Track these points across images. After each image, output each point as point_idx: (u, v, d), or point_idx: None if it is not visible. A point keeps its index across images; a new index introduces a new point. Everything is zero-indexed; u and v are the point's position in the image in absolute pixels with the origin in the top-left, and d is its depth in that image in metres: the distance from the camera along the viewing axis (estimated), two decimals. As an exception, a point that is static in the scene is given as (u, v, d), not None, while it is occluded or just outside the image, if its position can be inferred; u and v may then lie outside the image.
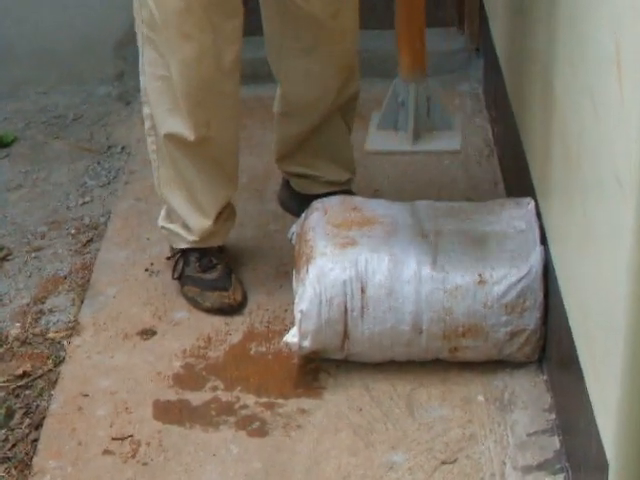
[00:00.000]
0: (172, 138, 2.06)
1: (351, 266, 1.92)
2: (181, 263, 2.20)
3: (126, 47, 2.98)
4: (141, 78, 2.08)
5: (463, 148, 1.77)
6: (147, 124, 2.12)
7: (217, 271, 2.17)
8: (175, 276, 2.20)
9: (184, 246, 2.19)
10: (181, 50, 1.95)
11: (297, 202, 2.37)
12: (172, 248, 2.24)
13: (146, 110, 2.10)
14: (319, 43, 2.12)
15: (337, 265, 1.93)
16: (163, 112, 2.04)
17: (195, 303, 2.16)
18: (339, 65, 2.17)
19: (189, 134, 2.03)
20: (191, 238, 2.17)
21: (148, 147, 2.15)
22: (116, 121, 2.95)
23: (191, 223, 2.15)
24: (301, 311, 1.92)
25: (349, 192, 2.33)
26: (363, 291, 1.91)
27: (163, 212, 2.21)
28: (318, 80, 2.17)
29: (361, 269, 1.92)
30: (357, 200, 2.12)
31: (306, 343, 1.93)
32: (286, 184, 2.43)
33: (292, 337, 1.94)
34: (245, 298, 2.18)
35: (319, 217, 2.06)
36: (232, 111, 2.08)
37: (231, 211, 2.21)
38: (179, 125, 2.03)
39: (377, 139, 1.86)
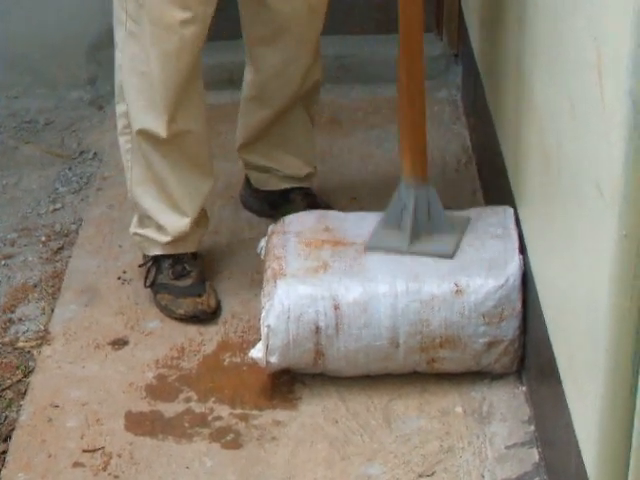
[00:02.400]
0: (145, 135, 2.05)
1: (322, 283, 1.92)
2: (154, 270, 2.18)
3: (99, 51, 2.97)
4: (117, 75, 2.06)
5: (454, 250, 1.97)
6: (121, 123, 2.11)
7: (191, 278, 2.16)
8: (147, 284, 2.18)
9: (157, 252, 2.17)
10: (164, 42, 1.95)
11: (257, 200, 2.40)
12: (144, 256, 2.22)
13: (121, 108, 2.09)
14: (288, 28, 2.14)
15: (307, 282, 1.93)
16: (138, 108, 2.03)
17: (168, 311, 2.14)
18: (307, 50, 2.19)
19: (162, 130, 2.02)
20: (165, 239, 2.14)
21: (121, 147, 2.13)
22: (88, 126, 2.93)
23: (165, 223, 2.13)
24: (268, 326, 1.91)
25: (308, 190, 2.35)
26: (337, 308, 1.90)
27: (135, 219, 2.19)
28: (286, 65, 2.19)
29: (334, 287, 1.91)
30: (330, 218, 2.10)
31: (274, 359, 1.92)
32: (246, 182, 2.44)
33: (257, 352, 1.93)
34: (219, 306, 2.16)
35: (290, 234, 2.06)
36: (202, 105, 2.08)
37: (204, 216, 2.20)
38: (153, 121, 2.02)
39: (378, 238, 2.02)
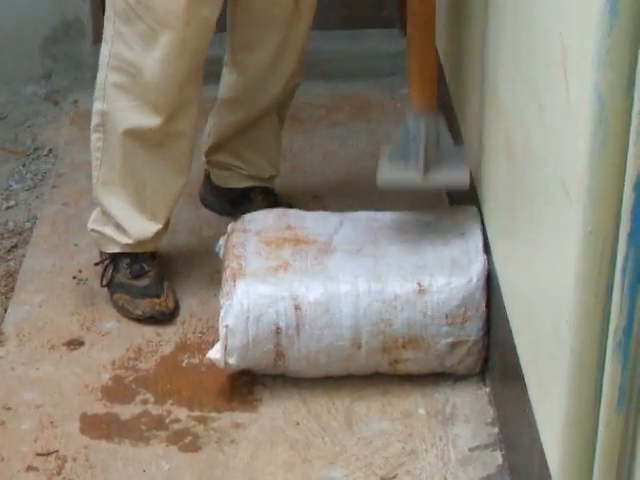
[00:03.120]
0: (134, 134, 2.01)
1: (282, 283, 1.90)
2: (111, 269, 2.15)
3: (55, 45, 2.94)
4: (101, 71, 2.03)
5: (468, 180, 1.93)
6: (95, 120, 2.07)
7: (149, 278, 2.13)
8: (104, 283, 2.15)
9: (116, 250, 2.14)
10: (162, 44, 1.92)
11: (217, 198, 2.38)
12: (101, 253, 2.18)
13: (98, 106, 2.05)
14: (274, 32, 2.13)
15: (267, 281, 1.90)
16: (125, 108, 2.00)
17: (125, 311, 2.11)
18: (292, 53, 2.18)
19: (158, 130, 1.99)
20: (125, 241, 2.11)
21: (92, 144, 2.09)
22: (43, 122, 2.89)
23: (129, 226, 2.09)
24: (226, 326, 1.88)
25: (270, 190, 2.34)
26: (297, 308, 1.88)
27: (94, 214, 2.15)
28: (271, 69, 2.18)
29: (294, 286, 1.89)
30: (292, 216, 2.08)
31: (232, 360, 1.89)
32: (206, 179, 2.42)
33: (215, 353, 1.90)
34: (177, 306, 2.14)
35: (251, 233, 2.03)
36: (198, 107, 2.06)
37: (166, 223, 2.16)
38: (146, 121, 1.98)
39: (388, 171, 1.94)
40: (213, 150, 2.34)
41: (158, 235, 2.13)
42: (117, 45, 1.97)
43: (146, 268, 2.13)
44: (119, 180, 2.07)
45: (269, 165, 2.33)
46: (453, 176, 1.90)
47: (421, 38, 1.91)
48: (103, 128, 2.05)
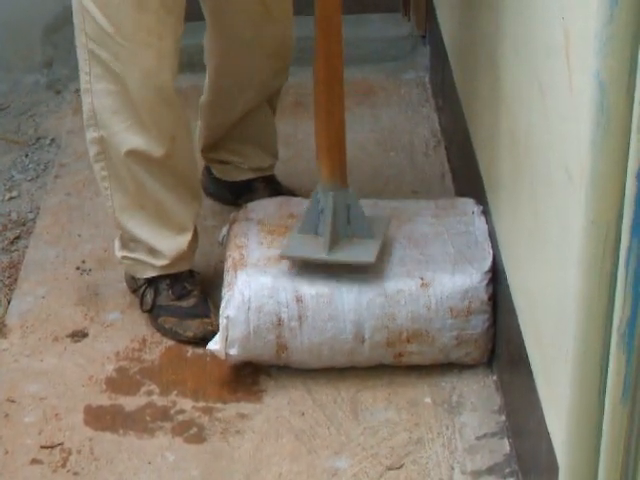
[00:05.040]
0: (136, 155, 1.95)
1: (284, 275, 1.88)
2: (150, 293, 2.07)
3: (56, 33, 2.92)
4: (86, 99, 1.96)
5: (375, 257, 1.88)
6: (93, 150, 1.99)
7: (194, 297, 2.06)
8: (145, 308, 2.08)
9: (153, 274, 2.06)
10: (140, 59, 1.86)
11: (219, 187, 2.35)
12: (135, 280, 2.11)
13: (92, 134, 1.98)
14: (252, 31, 2.10)
15: (268, 272, 1.89)
16: (121, 130, 1.93)
17: (174, 334, 2.04)
18: (270, 54, 2.15)
19: (157, 149, 1.93)
20: (160, 263, 2.04)
21: (97, 175, 2.02)
22: (45, 111, 2.87)
23: (160, 246, 2.03)
24: (227, 317, 1.87)
25: (271, 178, 2.32)
26: (299, 300, 1.86)
27: (118, 242, 2.08)
28: (249, 74, 2.15)
29: (296, 279, 1.88)
30: (294, 205, 2.06)
31: (233, 351, 1.88)
32: (207, 171, 2.39)
33: (214, 344, 1.89)
34: None
35: (253, 222, 2.02)
36: (186, 119, 2.01)
37: (194, 232, 2.09)
38: (143, 141, 1.93)
39: (295, 245, 1.92)
40: (207, 149, 2.32)
41: (191, 248, 2.06)
42: (95, 67, 1.91)
43: (188, 287, 2.06)
44: (136, 203, 2.00)
45: (267, 155, 2.31)
46: (358, 253, 1.87)
47: (327, 110, 1.86)
48: (104, 155, 1.98)
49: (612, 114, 1.03)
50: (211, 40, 2.18)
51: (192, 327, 2.02)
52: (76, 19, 1.90)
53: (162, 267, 2.05)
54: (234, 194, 2.33)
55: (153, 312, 2.07)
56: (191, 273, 2.10)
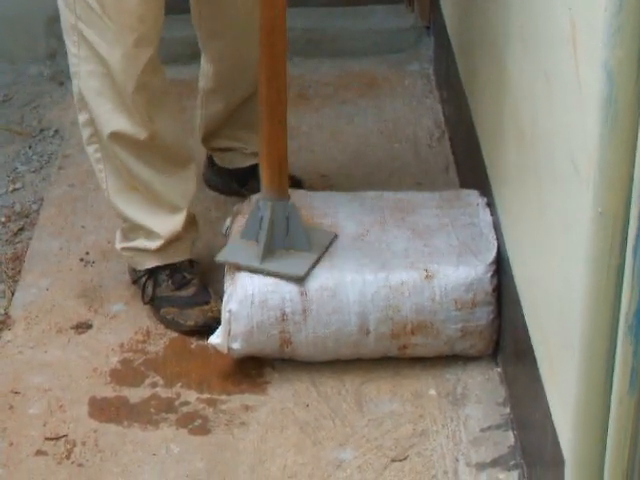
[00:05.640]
0: (119, 137, 1.95)
1: None
2: (150, 285, 2.07)
3: (59, 24, 2.88)
4: (75, 82, 1.97)
5: (305, 272, 1.88)
6: (86, 132, 2.00)
7: (194, 286, 2.05)
8: (146, 300, 2.07)
9: (153, 264, 2.06)
10: (121, 41, 1.87)
11: (222, 178, 2.34)
12: (135, 272, 2.10)
13: (84, 117, 1.98)
14: (238, 18, 2.10)
15: None
16: (106, 112, 1.94)
17: (176, 325, 2.03)
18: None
19: (139, 131, 1.94)
20: (156, 245, 2.03)
21: (91, 157, 2.03)
22: (49, 103, 2.87)
23: (155, 226, 2.03)
24: (230, 311, 1.87)
25: None
26: (303, 294, 1.86)
27: (119, 234, 2.09)
28: (242, 55, 2.15)
29: None
30: (298, 198, 2.05)
31: (236, 345, 1.88)
32: (209, 161, 2.38)
33: (215, 338, 1.89)
34: None
35: None
36: (172, 101, 2.01)
37: (193, 220, 2.10)
38: (126, 123, 1.93)
39: (232, 249, 1.95)
40: (208, 138, 2.32)
41: (186, 230, 2.05)
42: (85, 49, 1.91)
43: (188, 277, 2.06)
44: (128, 185, 2.01)
45: None
46: (290, 266, 1.88)
47: (270, 120, 1.87)
48: (97, 137, 1.99)
49: (620, 105, 1.02)
50: (203, 25, 2.16)
51: (192, 316, 2.01)
52: (63, 1, 1.91)
53: (158, 251, 2.04)
54: (240, 182, 2.32)
55: (155, 304, 2.06)
56: (190, 263, 2.09)
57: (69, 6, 1.91)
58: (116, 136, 1.95)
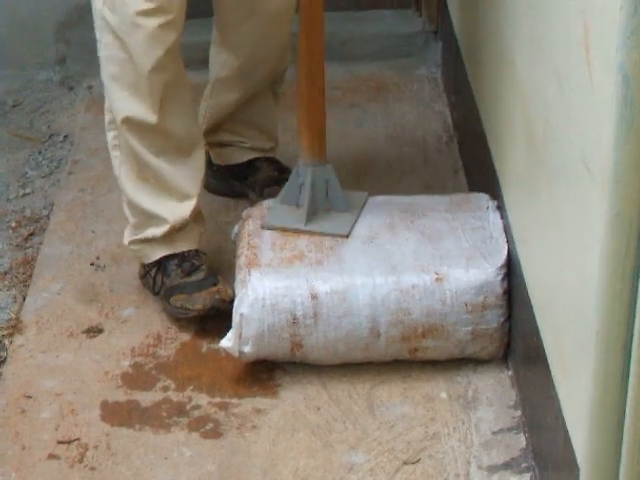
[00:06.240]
0: (130, 122, 1.97)
1: (298, 273, 1.89)
2: (160, 276, 2.06)
3: (69, 29, 2.92)
4: (101, 66, 2.00)
5: (349, 230, 2.00)
6: (107, 118, 2.04)
7: (202, 271, 2.04)
8: (156, 291, 2.07)
9: (160, 253, 2.05)
10: (146, 24, 1.89)
11: (222, 178, 2.34)
12: (143, 266, 2.10)
13: (107, 102, 2.02)
14: (261, 6, 2.12)
15: (282, 271, 1.89)
16: (122, 97, 1.96)
17: (185, 311, 2.01)
18: (280, 28, 2.16)
19: (150, 116, 1.96)
20: (162, 230, 2.03)
21: (109, 144, 2.05)
22: (58, 108, 2.87)
23: (164, 212, 2.03)
24: (241, 315, 1.87)
25: (273, 158, 2.33)
26: (314, 297, 1.86)
27: (127, 230, 2.09)
28: (260, 45, 2.16)
29: (310, 276, 1.88)
30: None
31: (247, 349, 1.88)
32: (207, 164, 2.33)
33: (226, 341, 1.89)
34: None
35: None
36: (187, 91, 2.03)
37: (199, 213, 2.10)
38: (139, 109, 1.95)
39: (276, 214, 2.05)
40: (211, 132, 2.31)
41: (195, 219, 2.06)
42: (108, 36, 1.94)
43: (197, 263, 2.05)
44: (137, 174, 2.02)
45: (268, 139, 2.32)
46: (334, 226, 1.98)
47: (309, 88, 1.97)
48: (114, 125, 2.01)
49: (636, 107, 1.02)
50: (227, 11, 2.16)
51: (200, 299, 1.99)
52: None
53: (165, 237, 2.03)
54: (239, 177, 2.32)
55: (165, 295, 2.05)
56: (197, 252, 2.09)
57: None
58: (128, 121, 1.97)
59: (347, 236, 1.94)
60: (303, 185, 2.00)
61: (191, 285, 2.03)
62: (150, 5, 1.89)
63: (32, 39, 2.96)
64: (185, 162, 2.03)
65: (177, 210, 2.03)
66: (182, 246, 2.07)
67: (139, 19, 1.89)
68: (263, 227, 1.98)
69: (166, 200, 2.04)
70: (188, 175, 2.04)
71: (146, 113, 1.95)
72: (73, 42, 2.87)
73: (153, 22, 1.89)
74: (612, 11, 1.14)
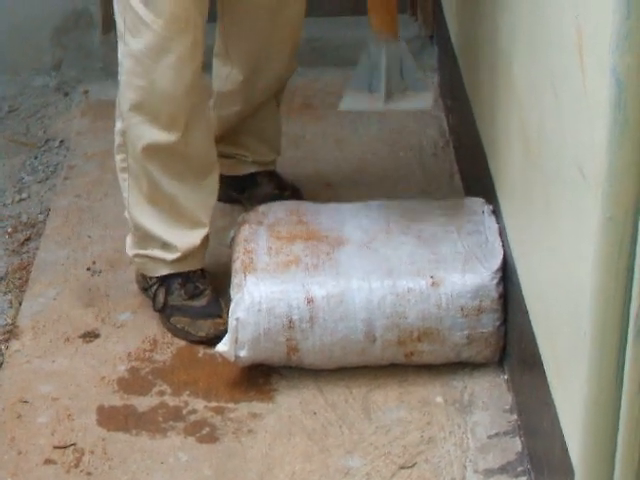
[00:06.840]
0: (153, 149, 1.96)
1: (294, 277, 1.89)
2: (162, 293, 2.07)
3: (64, 35, 2.92)
4: (119, 91, 1.98)
5: (433, 107, 1.99)
6: (117, 140, 2.02)
7: (206, 297, 2.05)
8: (157, 307, 2.07)
9: (165, 272, 2.06)
10: (174, 49, 1.88)
11: (221, 186, 2.29)
12: (145, 278, 2.11)
13: (118, 125, 2.01)
14: (263, 22, 2.12)
15: (278, 275, 1.89)
16: (142, 124, 1.94)
17: (186, 334, 2.03)
18: (285, 39, 2.16)
19: (175, 141, 1.94)
20: (172, 257, 2.04)
21: (117, 165, 2.04)
22: (54, 113, 2.87)
23: (174, 240, 2.03)
24: (237, 319, 1.87)
25: (273, 172, 2.32)
26: (310, 301, 1.86)
27: (130, 239, 2.08)
28: (264, 59, 2.16)
29: (306, 280, 1.88)
30: (304, 210, 2.06)
31: (243, 353, 1.88)
32: None
33: (222, 346, 1.89)
34: None
35: (263, 228, 2.02)
36: (207, 105, 2.03)
37: (206, 237, 2.08)
38: (160, 135, 1.94)
39: (351, 99, 1.96)
40: (215, 142, 2.32)
41: (203, 244, 2.06)
42: (128, 62, 1.92)
43: (201, 287, 2.06)
44: (149, 200, 2.01)
45: (271, 150, 2.32)
46: (415, 100, 1.90)
47: None
48: (126, 148, 2.00)
49: (630, 110, 1.03)
50: (231, 27, 2.17)
51: (204, 327, 2.02)
52: (117, 7, 1.92)
53: (174, 262, 2.04)
54: (237, 189, 2.32)
55: (165, 312, 2.06)
56: (202, 273, 2.09)
57: (120, 14, 1.92)
58: (149, 148, 1.95)
59: (430, 108, 1.87)
60: (376, 67, 1.89)
61: (194, 310, 2.03)
62: (180, 25, 1.87)
63: (28, 45, 2.96)
64: (200, 185, 2.02)
65: (188, 238, 2.03)
66: (188, 266, 2.07)
67: (167, 43, 1.87)
68: (340, 110, 1.89)
69: (177, 227, 2.03)
70: (202, 200, 2.03)
71: (168, 138, 1.94)
72: (69, 48, 2.88)
73: (184, 43, 1.88)
74: (605, 16, 1.14)
